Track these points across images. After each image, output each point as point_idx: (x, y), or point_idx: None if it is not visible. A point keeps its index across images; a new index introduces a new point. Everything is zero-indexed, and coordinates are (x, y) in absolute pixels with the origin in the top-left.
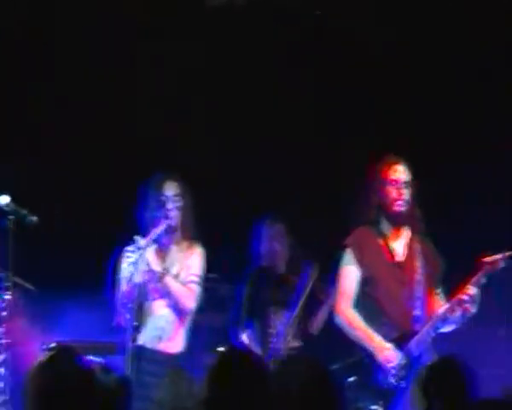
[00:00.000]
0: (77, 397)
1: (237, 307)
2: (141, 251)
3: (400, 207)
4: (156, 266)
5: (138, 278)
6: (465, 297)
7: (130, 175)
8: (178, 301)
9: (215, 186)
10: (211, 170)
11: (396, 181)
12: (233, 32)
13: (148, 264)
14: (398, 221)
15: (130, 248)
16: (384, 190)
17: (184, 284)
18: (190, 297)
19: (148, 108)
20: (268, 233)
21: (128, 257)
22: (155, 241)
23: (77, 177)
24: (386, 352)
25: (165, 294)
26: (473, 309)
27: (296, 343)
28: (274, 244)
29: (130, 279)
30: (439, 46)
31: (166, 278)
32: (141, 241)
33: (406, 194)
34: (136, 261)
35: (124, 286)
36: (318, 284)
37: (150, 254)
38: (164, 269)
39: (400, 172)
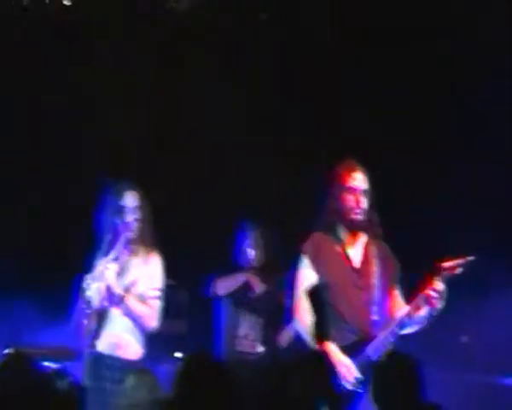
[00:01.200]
0: (31, 402)
1: None
2: (100, 270)
3: (357, 215)
4: (116, 288)
5: (98, 302)
6: (432, 292)
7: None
8: (140, 321)
9: (173, 191)
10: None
11: (354, 189)
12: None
13: (108, 285)
14: (354, 228)
15: (91, 274)
16: (342, 197)
17: (145, 300)
18: (152, 316)
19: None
20: (247, 238)
21: (90, 282)
22: (115, 259)
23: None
24: (341, 358)
25: (127, 314)
26: (439, 305)
27: (261, 349)
28: (250, 249)
29: (89, 288)
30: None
31: (128, 300)
32: (100, 264)
33: (364, 202)
34: (96, 277)
35: (83, 293)
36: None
37: (111, 274)
38: (124, 288)
39: (359, 180)
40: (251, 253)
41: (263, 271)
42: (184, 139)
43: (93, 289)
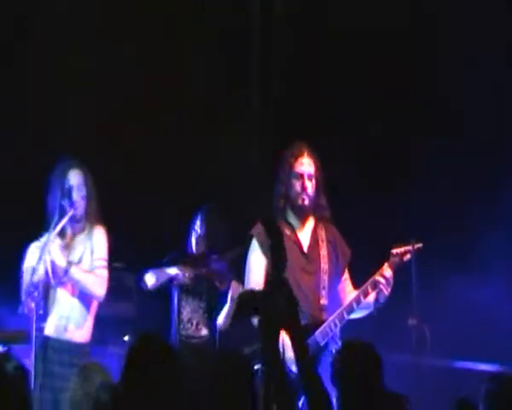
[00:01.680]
0: None
1: None
2: (45, 245)
3: (303, 201)
4: (61, 261)
5: (42, 269)
6: (380, 279)
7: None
8: (87, 290)
9: (122, 174)
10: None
11: (301, 174)
12: None
13: (52, 258)
14: (302, 213)
15: (36, 243)
16: (289, 182)
17: (91, 270)
18: (99, 284)
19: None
20: (193, 223)
21: (34, 251)
22: (60, 234)
23: None
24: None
25: (73, 285)
26: (387, 292)
27: (205, 332)
28: (195, 234)
29: (34, 270)
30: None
31: (72, 271)
32: (44, 237)
33: (310, 187)
34: (40, 257)
35: (28, 275)
36: (223, 281)
37: (55, 248)
38: (68, 262)
39: (305, 165)
40: (195, 239)
41: (203, 257)
42: (143, 119)
43: (38, 257)
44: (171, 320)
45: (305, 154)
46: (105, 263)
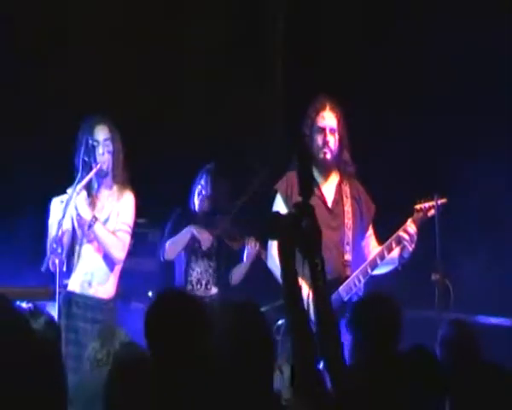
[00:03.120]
0: (14, 343)
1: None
2: (70, 196)
3: (325, 154)
4: (86, 213)
5: (68, 224)
6: (404, 234)
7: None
8: (107, 250)
9: (147, 131)
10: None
11: (322, 128)
12: None
13: (77, 210)
14: (324, 168)
15: (60, 198)
16: (312, 136)
17: (114, 232)
18: (119, 247)
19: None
20: (198, 182)
21: (60, 202)
22: (86, 187)
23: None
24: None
25: (96, 239)
26: (411, 248)
27: (214, 290)
28: (201, 194)
29: (59, 225)
30: None
31: (95, 226)
32: (69, 190)
33: (332, 141)
34: (65, 207)
35: (53, 231)
36: (236, 238)
37: (80, 200)
38: (93, 217)
39: (326, 119)
40: (199, 199)
41: (211, 217)
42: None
43: (63, 208)
44: (174, 281)
45: (328, 107)
46: (129, 229)
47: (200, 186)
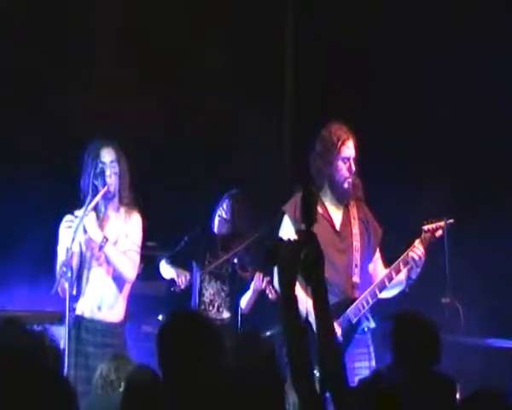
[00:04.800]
0: (28, 366)
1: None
2: (80, 219)
3: (349, 184)
4: (97, 235)
5: (77, 247)
6: (413, 255)
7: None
8: (119, 271)
9: (156, 154)
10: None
11: (348, 158)
12: None
13: (87, 232)
14: (345, 196)
15: (69, 217)
16: (336, 165)
17: (124, 252)
18: (130, 267)
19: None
20: (220, 206)
21: (68, 227)
22: (94, 208)
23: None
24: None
25: (106, 263)
26: (419, 269)
27: (226, 315)
28: (221, 218)
29: (68, 248)
30: None
31: (106, 247)
32: (78, 212)
33: (353, 170)
34: (75, 230)
35: (63, 255)
36: (246, 268)
37: (90, 222)
38: (104, 238)
39: (350, 149)
40: (219, 222)
41: (229, 241)
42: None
43: (73, 231)
44: (190, 302)
45: (350, 136)
46: (138, 249)
47: (221, 209)
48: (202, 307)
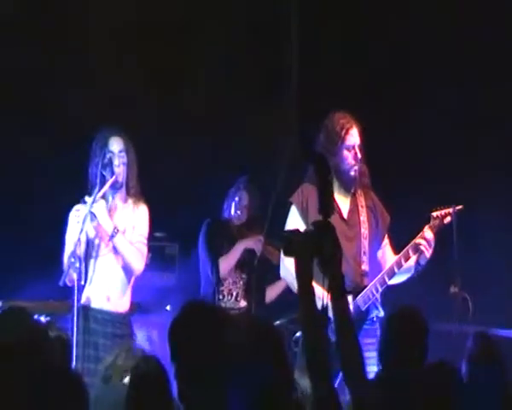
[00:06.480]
0: (32, 354)
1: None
2: (88, 207)
3: (356, 172)
4: (107, 224)
5: (84, 236)
6: (422, 241)
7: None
8: (127, 262)
9: (163, 144)
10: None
11: (352, 146)
12: None
13: (97, 220)
14: (351, 184)
15: (78, 206)
16: (341, 154)
17: (132, 244)
18: (139, 258)
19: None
20: (235, 194)
21: (77, 216)
22: (103, 197)
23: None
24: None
25: (114, 252)
26: (428, 255)
27: (243, 303)
28: (236, 206)
29: (76, 245)
30: None
31: (117, 237)
32: (88, 198)
33: (359, 156)
34: (83, 220)
35: (71, 245)
36: (273, 251)
37: (100, 210)
38: (115, 228)
39: (354, 136)
40: (237, 209)
41: (247, 227)
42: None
43: (83, 219)
44: (206, 291)
45: (354, 124)
46: (145, 241)
47: (237, 197)
48: (220, 296)
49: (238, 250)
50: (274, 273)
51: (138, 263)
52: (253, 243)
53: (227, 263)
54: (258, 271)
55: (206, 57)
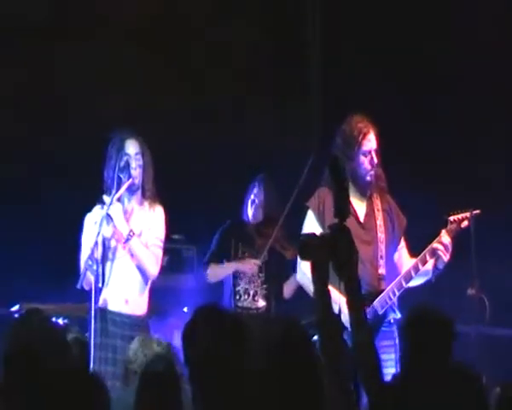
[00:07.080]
0: (50, 356)
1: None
2: (105, 209)
3: (372, 177)
4: (123, 227)
5: (100, 238)
6: (439, 245)
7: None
8: (142, 265)
9: (180, 147)
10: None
11: (369, 151)
12: None
13: (112, 222)
14: (367, 189)
15: (95, 207)
16: (358, 159)
17: (147, 247)
18: (153, 262)
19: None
20: (251, 193)
21: (92, 223)
22: (118, 200)
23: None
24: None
25: (130, 255)
26: (446, 259)
27: (262, 303)
28: (253, 205)
29: (93, 248)
30: None
31: (133, 240)
32: (106, 198)
33: (375, 162)
34: (100, 223)
35: (87, 248)
36: (287, 247)
37: (117, 213)
38: (131, 231)
39: (372, 141)
40: (253, 208)
41: (264, 225)
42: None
43: (97, 234)
44: (225, 292)
45: (371, 129)
46: (161, 244)
47: (253, 196)
48: (237, 296)
49: (229, 269)
50: (288, 268)
51: (153, 267)
52: (248, 268)
53: (215, 272)
54: (275, 268)
55: (225, 58)
